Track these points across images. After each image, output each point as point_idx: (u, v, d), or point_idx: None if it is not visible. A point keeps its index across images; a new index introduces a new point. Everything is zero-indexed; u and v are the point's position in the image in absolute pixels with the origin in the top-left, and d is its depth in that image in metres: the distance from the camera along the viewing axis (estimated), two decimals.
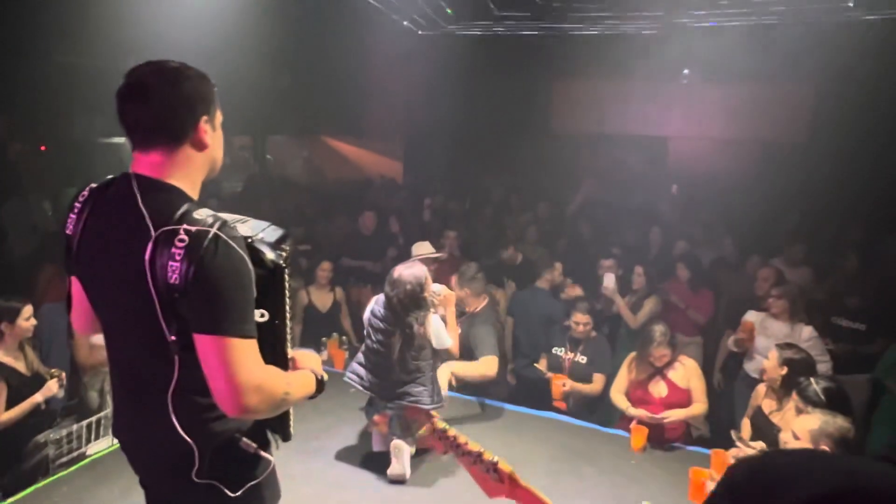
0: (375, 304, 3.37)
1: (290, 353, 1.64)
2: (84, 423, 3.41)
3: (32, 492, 3.03)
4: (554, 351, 4.42)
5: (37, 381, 3.48)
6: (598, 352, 4.33)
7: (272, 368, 1.47)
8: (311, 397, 1.65)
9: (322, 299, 5.18)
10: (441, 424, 1.20)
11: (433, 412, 1.05)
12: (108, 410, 3.47)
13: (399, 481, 3.12)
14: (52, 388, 3.47)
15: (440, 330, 3.31)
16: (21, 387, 3.40)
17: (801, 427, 2.55)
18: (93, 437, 3.42)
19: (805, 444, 2.48)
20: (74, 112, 7.07)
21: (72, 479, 3.15)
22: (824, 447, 2.44)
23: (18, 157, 8.08)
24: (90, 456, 3.34)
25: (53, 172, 7.33)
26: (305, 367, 1.66)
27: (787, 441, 2.59)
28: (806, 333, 4.07)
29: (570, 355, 4.33)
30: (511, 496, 1.07)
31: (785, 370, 3.35)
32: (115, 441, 3.34)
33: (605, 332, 4.89)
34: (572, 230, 6.77)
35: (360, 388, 3.30)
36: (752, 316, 4.36)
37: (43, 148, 7.83)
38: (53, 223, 6.06)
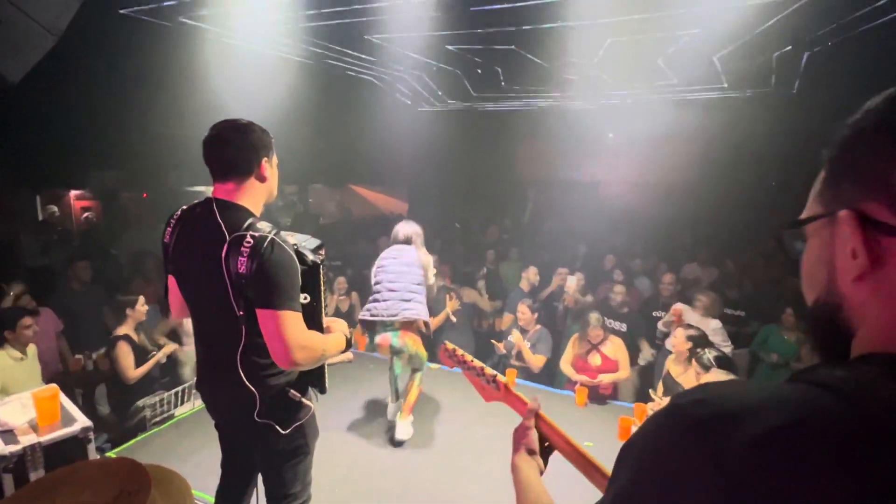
0: (383, 259, 3.26)
1: (325, 323, 1.66)
2: (173, 391, 3.38)
3: (133, 443, 2.99)
4: (509, 338, 4.22)
5: (145, 353, 3.57)
6: (541, 339, 4.12)
7: (313, 332, 1.49)
8: (343, 351, 1.67)
9: (342, 303, 5.07)
10: (451, 346, 1.16)
11: (448, 344, 1.02)
12: (190, 382, 3.46)
13: (399, 443, 3.07)
14: (170, 348, 3.67)
15: (430, 265, 3.30)
16: (140, 353, 3.51)
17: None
18: (179, 402, 3.38)
19: None
20: (167, 168, 7.10)
21: (163, 434, 3.11)
22: None
23: (127, 202, 8.11)
24: (177, 416, 3.30)
25: (152, 213, 7.35)
26: (337, 330, 1.67)
27: None
28: (714, 325, 4.03)
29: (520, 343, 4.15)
30: (505, 401, 1.06)
31: (689, 344, 3.38)
32: (196, 403, 3.34)
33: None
34: (531, 248, 6.81)
35: (371, 317, 3.12)
36: (679, 306, 4.27)
37: (144, 195, 7.86)
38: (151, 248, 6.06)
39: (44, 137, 4.74)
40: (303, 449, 1.66)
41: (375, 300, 3.15)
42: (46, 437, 2.18)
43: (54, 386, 2.44)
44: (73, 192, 8.30)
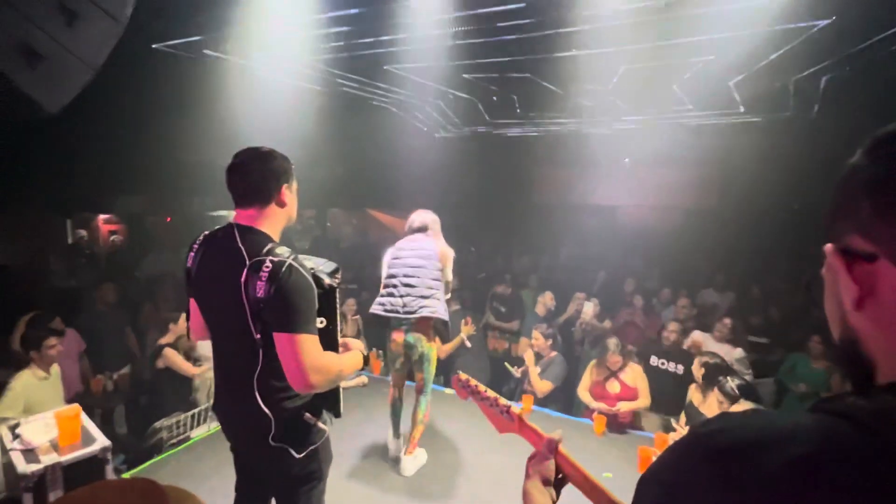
0: (399, 250, 2.99)
1: (341, 340, 1.67)
2: (189, 413, 3.40)
3: (150, 465, 3.00)
4: (515, 367, 4.19)
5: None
6: (553, 365, 4.02)
7: (329, 353, 1.49)
8: (360, 370, 1.68)
9: (351, 328, 4.99)
10: (464, 376, 1.15)
11: (461, 374, 1.00)
12: (206, 404, 3.48)
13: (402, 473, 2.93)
14: (204, 371, 3.65)
15: (450, 259, 3.04)
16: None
17: None
18: (195, 424, 3.40)
19: None
20: (190, 194, 7.33)
21: (178, 456, 3.12)
22: None
23: (152, 226, 8.35)
24: (192, 439, 3.31)
25: (175, 236, 7.55)
26: (353, 348, 1.68)
27: None
28: (737, 353, 3.94)
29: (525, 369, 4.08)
30: (519, 433, 1.03)
31: (703, 371, 3.31)
32: (212, 426, 3.35)
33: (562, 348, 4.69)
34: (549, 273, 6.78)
35: (384, 313, 2.91)
36: (697, 335, 4.22)
37: (168, 219, 8.10)
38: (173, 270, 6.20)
39: (76, 164, 4.96)
40: (316, 474, 1.65)
41: (390, 294, 2.90)
42: (67, 457, 2.22)
43: (77, 406, 2.48)
44: (102, 216, 8.60)
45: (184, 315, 3.54)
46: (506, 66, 4.77)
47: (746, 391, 2.97)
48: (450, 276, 3.04)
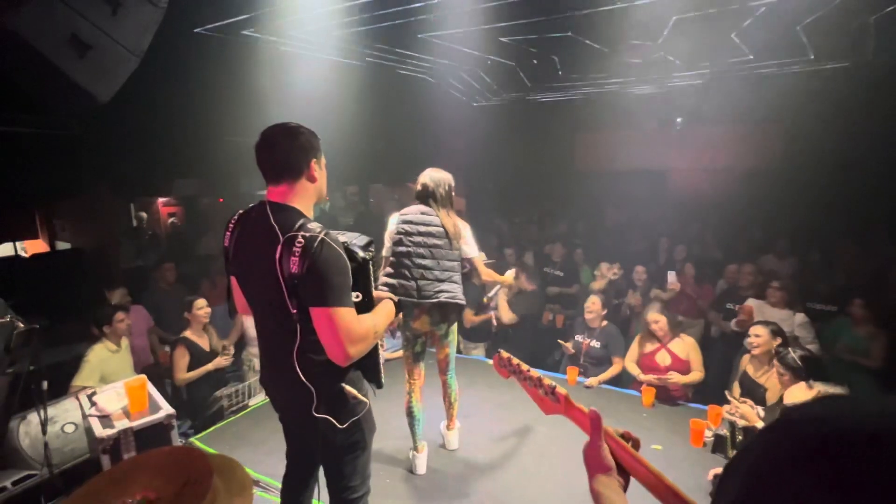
0: (406, 224, 2.61)
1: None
2: (247, 382, 3.59)
3: (213, 430, 3.22)
4: (577, 338, 4.01)
5: (213, 355, 3.65)
6: (611, 337, 3.85)
7: (363, 318, 1.50)
8: (396, 316, 1.70)
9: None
10: (506, 354, 1.09)
11: (503, 353, 0.95)
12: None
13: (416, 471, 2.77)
14: (221, 362, 3.63)
15: (471, 238, 2.71)
16: (200, 357, 3.59)
17: (800, 397, 2.22)
18: (253, 392, 3.59)
19: None
20: (241, 175, 7.58)
21: (238, 423, 3.32)
22: None
23: (205, 207, 8.76)
24: (251, 406, 3.51)
25: (229, 216, 7.87)
26: (384, 298, 1.70)
27: None
28: (799, 319, 3.69)
29: (587, 341, 3.92)
30: (566, 414, 0.97)
31: (779, 340, 3.11)
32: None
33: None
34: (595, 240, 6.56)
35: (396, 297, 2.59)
36: (751, 302, 3.99)
37: (221, 200, 8.45)
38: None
39: (133, 150, 5.22)
40: (360, 444, 1.69)
41: (402, 276, 2.57)
42: (136, 423, 2.40)
43: (143, 377, 2.68)
44: (160, 200, 9.10)
45: (199, 301, 3.61)
46: (544, 25, 4.51)
47: (809, 362, 2.76)
48: (473, 252, 2.69)
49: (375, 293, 1.69)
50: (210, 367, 3.57)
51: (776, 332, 3.15)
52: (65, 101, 2.84)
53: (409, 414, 2.78)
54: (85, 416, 2.54)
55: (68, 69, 2.62)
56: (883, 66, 5.03)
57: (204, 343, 3.66)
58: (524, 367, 1.06)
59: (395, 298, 1.71)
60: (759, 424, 2.71)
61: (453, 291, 2.60)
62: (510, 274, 3.12)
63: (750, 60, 5.33)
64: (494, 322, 4.05)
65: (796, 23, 4.36)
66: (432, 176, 2.67)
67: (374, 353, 1.70)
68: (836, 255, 5.18)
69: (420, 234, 2.58)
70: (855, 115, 5.62)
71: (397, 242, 2.60)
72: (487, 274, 2.80)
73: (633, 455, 0.83)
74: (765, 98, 6.12)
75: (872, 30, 4.49)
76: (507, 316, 3.89)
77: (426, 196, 2.64)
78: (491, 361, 4.05)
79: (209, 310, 3.68)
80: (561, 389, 0.99)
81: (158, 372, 4.02)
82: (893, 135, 5.46)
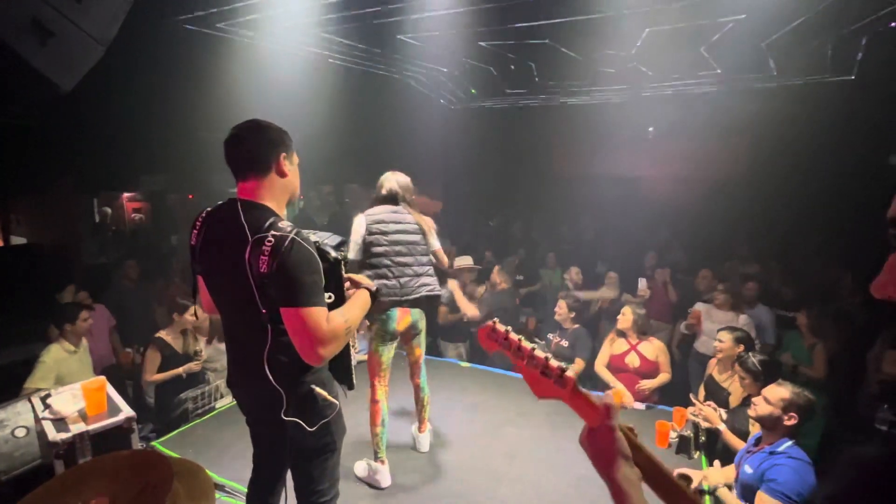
0: (379, 224, 2.63)
1: (347, 276, 1.66)
2: (213, 384, 3.50)
3: (177, 434, 3.11)
4: (549, 335, 4.12)
5: (187, 359, 3.57)
6: (578, 339, 3.93)
7: (334, 314, 1.44)
8: (372, 306, 1.64)
9: None
10: (501, 326, 0.92)
11: (497, 325, 0.81)
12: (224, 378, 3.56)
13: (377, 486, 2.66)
14: (192, 367, 3.55)
15: (431, 229, 2.79)
16: (172, 358, 3.50)
17: (775, 395, 2.22)
18: (219, 395, 3.50)
19: (776, 410, 2.19)
20: (212, 171, 7.39)
21: (204, 425, 3.23)
22: (793, 414, 2.17)
23: (174, 203, 8.50)
24: (217, 409, 3.42)
25: (198, 213, 7.66)
26: (359, 285, 1.66)
27: (758, 404, 2.27)
28: (742, 321, 3.84)
29: (557, 339, 4.02)
30: (569, 402, 0.84)
31: (741, 347, 3.21)
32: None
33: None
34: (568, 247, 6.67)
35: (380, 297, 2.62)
36: (699, 306, 4.17)
37: (190, 196, 8.21)
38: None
39: (97, 143, 5.03)
40: (330, 447, 1.66)
41: (383, 276, 2.60)
42: (94, 426, 2.30)
43: (102, 378, 2.56)
44: (126, 195, 8.78)
45: (193, 308, 3.49)
46: (523, 32, 4.57)
47: (769, 367, 2.87)
48: (436, 245, 2.79)
49: (357, 277, 1.67)
50: (180, 370, 3.48)
51: (740, 339, 3.26)
52: (24, 90, 2.71)
53: (382, 423, 2.70)
54: (38, 420, 2.42)
55: (28, 55, 2.51)
56: (839, 85, 5.31)
57: (178, 345, 3.57)
58: (526, 344, 0.90)
59: (373, 287, 1.67)
60: (722, 426, 2.80)
61: (432, 284, 2.75)
62: (461, 260, 3.17)
63: (718, 74, 5.54)
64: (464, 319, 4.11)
65: (761, 40, 4.55)
66: (398, 180, 2.78)
67: (345, 354, 1.68)
68: (799, 263, 5.41)
69: (396, 231, 2.65)
70: (815, 128, 5.90)
71: (373, 243, 2.61)
72: (448, 263, 2.97)
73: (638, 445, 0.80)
74: (731, 111, 6.37)
75: (830, 50, 4.73)
76: (471, 311, 3.91)
77: (394, 198, 2.73)
78: (465, 364, 4.08)
79: (196, 319, 3.59)
80: (570, 373, 0.85)
81: (119, 374, 3.87)
82: (849, 148, 5.75)
